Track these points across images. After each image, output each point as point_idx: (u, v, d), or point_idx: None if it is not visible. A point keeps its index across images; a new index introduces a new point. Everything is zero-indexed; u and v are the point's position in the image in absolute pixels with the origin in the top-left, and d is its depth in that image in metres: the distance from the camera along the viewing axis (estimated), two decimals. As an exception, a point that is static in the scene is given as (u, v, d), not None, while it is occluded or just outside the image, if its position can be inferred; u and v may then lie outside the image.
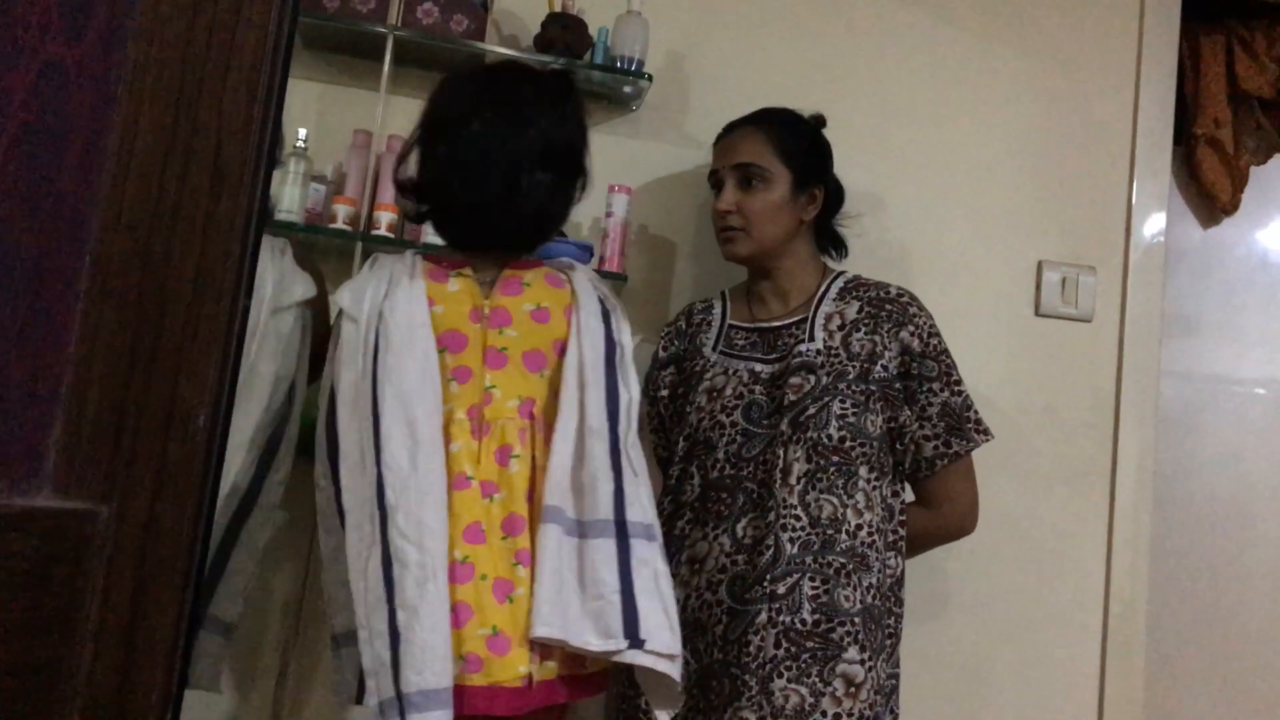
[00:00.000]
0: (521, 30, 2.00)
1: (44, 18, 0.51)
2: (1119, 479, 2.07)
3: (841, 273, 1.74)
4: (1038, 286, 2.11)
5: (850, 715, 1.46)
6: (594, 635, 1.22)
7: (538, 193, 1.37)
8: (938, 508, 1.66)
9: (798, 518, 1.52)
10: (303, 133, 1.82)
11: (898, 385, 1.62)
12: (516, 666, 1.21)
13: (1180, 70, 2.24)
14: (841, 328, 1.64)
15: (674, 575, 1.58)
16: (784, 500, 1.52)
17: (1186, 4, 2.21)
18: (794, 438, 1.55)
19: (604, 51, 1.92)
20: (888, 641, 1.57)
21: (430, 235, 1.69)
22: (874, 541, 1.55)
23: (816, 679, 1.46)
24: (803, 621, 1.48)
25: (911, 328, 1.64)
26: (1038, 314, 2.11)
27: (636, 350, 1.43)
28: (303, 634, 1.82)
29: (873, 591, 1.53)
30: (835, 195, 1.79)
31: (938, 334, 1.66)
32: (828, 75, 2.09)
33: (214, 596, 1.40)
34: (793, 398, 1.57)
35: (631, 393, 1.36)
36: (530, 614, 1.22)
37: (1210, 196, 2.32)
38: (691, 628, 1.55)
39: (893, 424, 1.62)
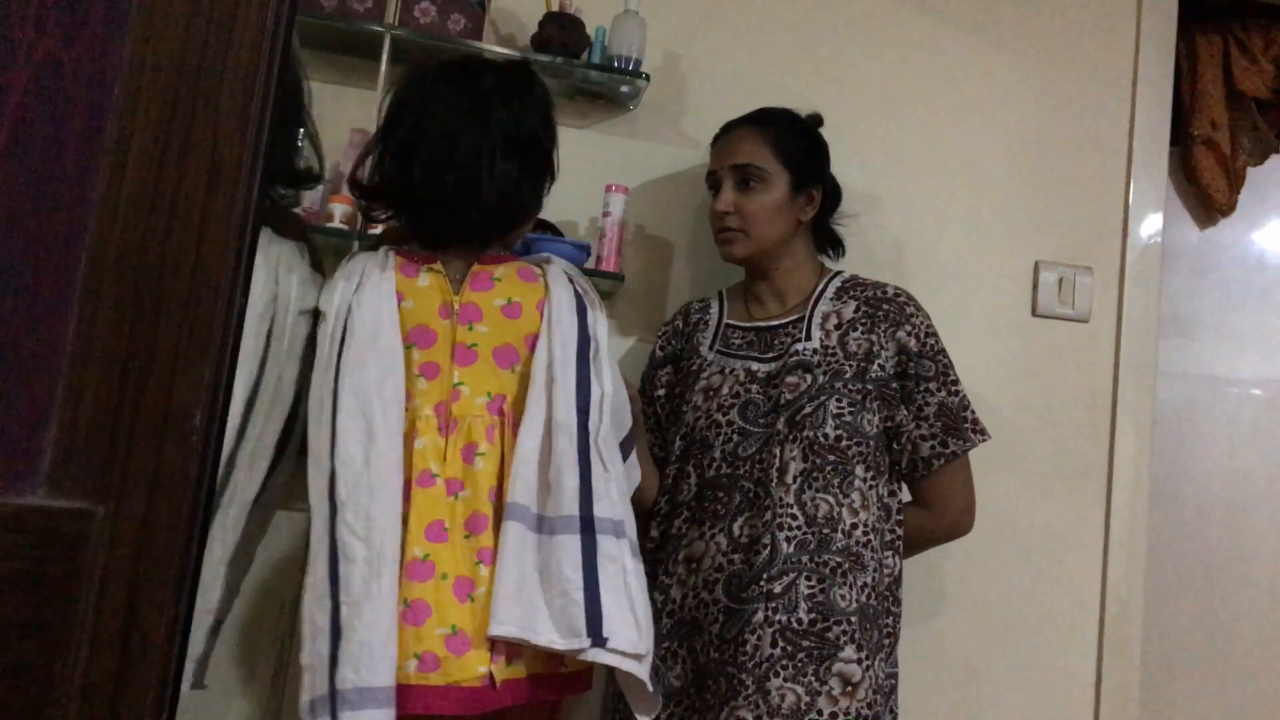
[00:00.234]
0: (519, 29, 2.00)
1: (41, 16, 0.51)
2: (1115, 479, 2.07)
3: (839, 272, 1.74)
4: (1034, 287, 2.11)
5: (848, 714, 1.46)
6: (558, 633, 1.20)
7: (501, 183, 1.36)
8: (934, 508, 1.66)
9: (794, 517, 1.52)
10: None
11: (894, 385, 1.62)
12: (475, 666, 1.19)
13: (1177, 71, 2.24)
14: (839, 327, 1.64)
15: (671, 574, 1.58)
16: (780, 499, 1.53)
17: (1184, 5, 2.22)
18: (790, 437, 1.56)
19: (601, 51, 1.92)
20: (885, 641, 1.57)
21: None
22: (870, 541, 1.55)
23: (813, 678, 1.46)
24: (799, 621, 1.48)
25: (909, 327, 1.64)
26: (1034, 314, 2.11)
27: (634, 350, 1.43)
28: (299, 633, 1.82)
29: (868, 591, 1.54)
30: (833, 195, 1.79)
31: (935, 334, 1.66)
32: (825, 75, 2.09)
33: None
34: (789, 396, 1.58)
35: (605, 388, 1.34)
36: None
37: (1207, 197, 2.33)
38: (688, 627, 1.55)
39: (889, 424, 1.62)
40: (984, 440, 1.65)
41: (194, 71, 0.56)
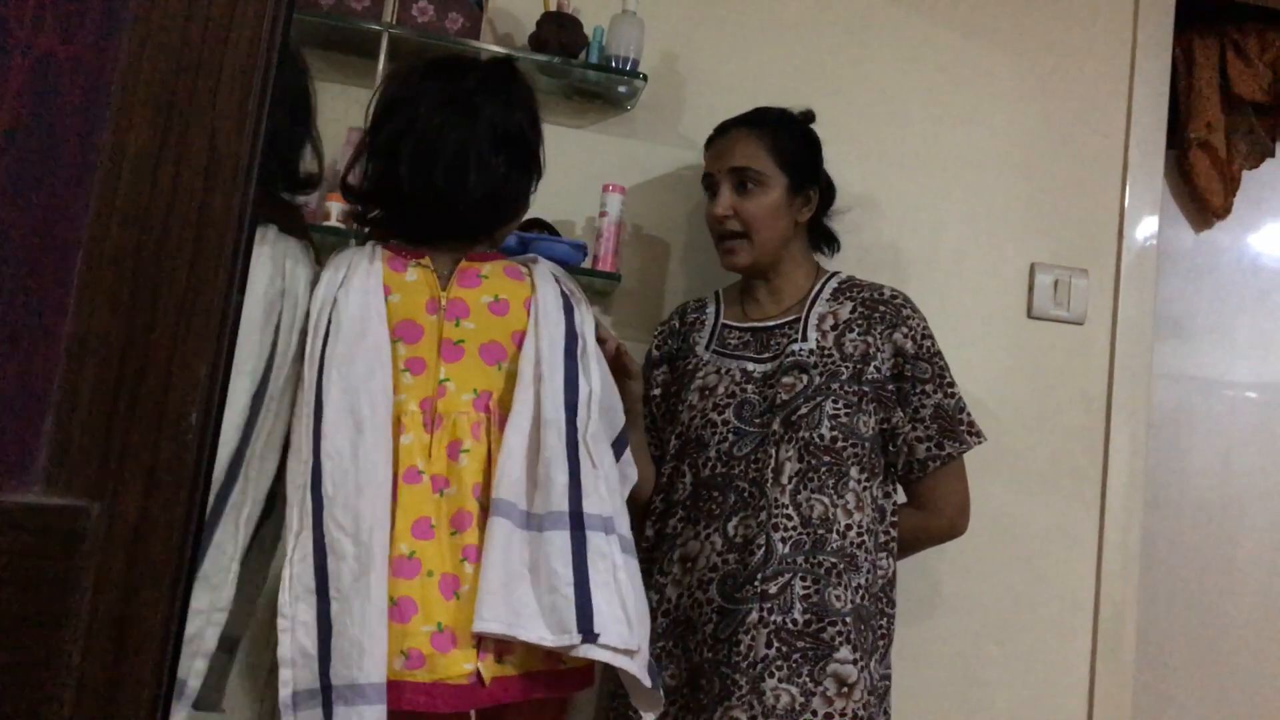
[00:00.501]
0: (516, 29, 2.00)
1: (38, 14, 0.51)
2: (1110, 481, 2.08)
3: (835, 273, 1.74)
4: (1030, 289, 2.11)
5: (843, 715, 1.46)
6: (548, 630, 1.19)
7: (487, 177, 1.36)
8: (930, 509, 1.66)
9: (789, 517, 1.52)
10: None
11: (890, 387, 1.63)
12: (461, 664, 1.19)
13: (1173, 74, 2.25)
14: (835, 328, 1.64)
15: (665, 573, 1.59)
16: (775, 499, 1.53)
17: (1180, 8, 2.22)
18: (786, 437, 1.56)
19: (599, 51, 1.92)
20: (880, 643, 1.57)
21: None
22: (864, 542, 1.56)
23: (807, 679, 1.46)
24: (794, 621, 1.48)
25: (905, 329, 1.64)
26: (1030, 316, 2.11)
27: (630, 349, 1.42)
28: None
29: (863, 592, 1.54)
30: (828, 192, 1.80)
31: (931, 336, 1.66)
32: (822, 76, 2.10)
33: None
34: (785, 397, 1.58)
35: (593, 385, 1.33)
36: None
37: (1203, 200, 2.33)
38: (682, 626, 1.55)
39: (885, 425, 1.62)
40: (979, 442, 1.65)
41: (191, 69, 0.56)
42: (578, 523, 1.24)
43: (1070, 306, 2.11)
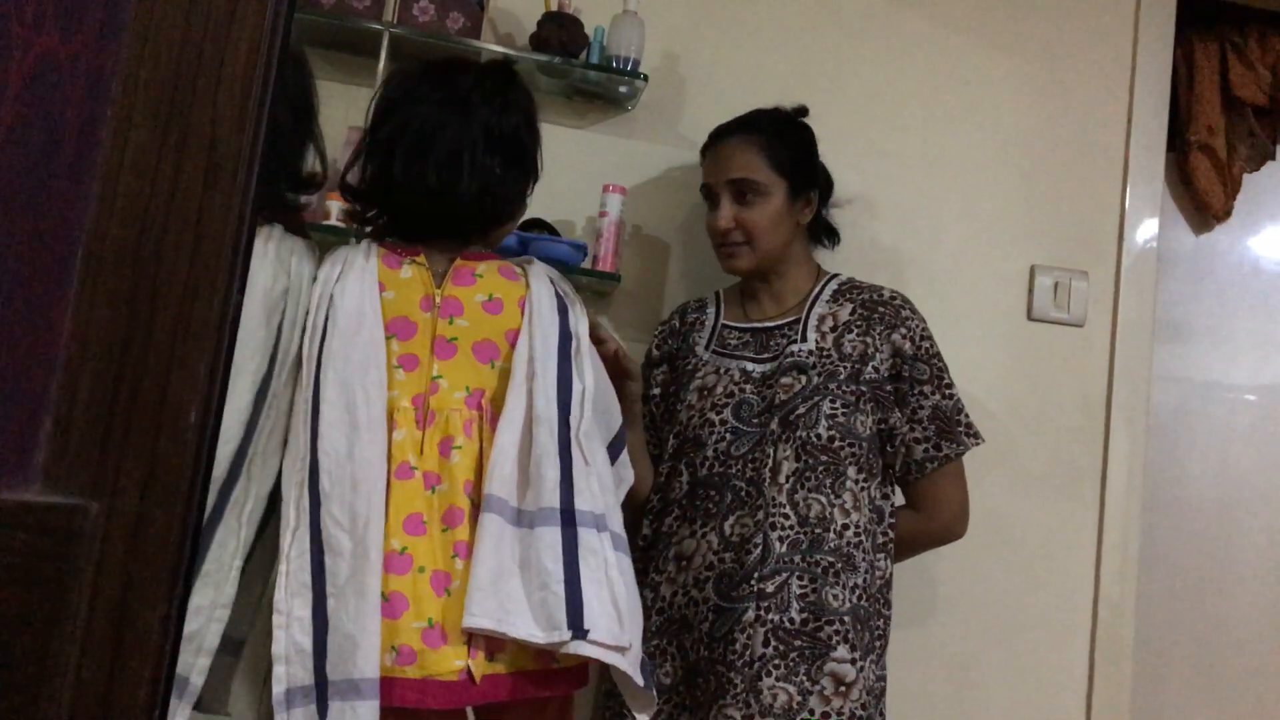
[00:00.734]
0: (517, 29, 2.00)
1: (38, 12, 0.51)
2: (1109, 483, 2.08)
3: (835, 275, 1.74)
4: (1030, 291, 2.11)
5: (840, 714, 1.46)
6: (538, 626, 1.19)
7: (481, 176, 1.36)
8: (928, 511, 1.66)
9: (786, 516, 1.52)
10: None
11: (889, 387, 1.63)
12: (451, 660, 1.19)
13: (1174, 77, 2.25)
14: (834, 329, 1.64)
15: (661, 572, 1.59)
16: (773, 499, 1.53)
17: (1181, 11, 2.22)
18: (783, 436, 1.56)
19: (600, 51, 1.92)
20: (876, 644, 1.57)
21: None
22: (861, 542, 1.56)
23: (804, 677, 1.46)
24: (791, 620, 1.48)
25: (904, 330, 1.64)
26: (1030, 318, 2.11)
27: (630, 349, 1.43)
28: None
29: (860, 592, 1.54)
30: (825, 188, 1.80)
31: (930, 337, 1.66)
32: (823, 78, 2.10)
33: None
34: (783, 397, 1.58)
35: (586, 383, 1.34)
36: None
37: (1203, 203, 2.33)
38: (678, 625, 1.55)
39: (883, 426, 1.62)
40: (978, 444, 1.65)
41: (192, 68, 0.56)
42: (569, 519, 1.24)
43: (1070, 308, 2.11)
